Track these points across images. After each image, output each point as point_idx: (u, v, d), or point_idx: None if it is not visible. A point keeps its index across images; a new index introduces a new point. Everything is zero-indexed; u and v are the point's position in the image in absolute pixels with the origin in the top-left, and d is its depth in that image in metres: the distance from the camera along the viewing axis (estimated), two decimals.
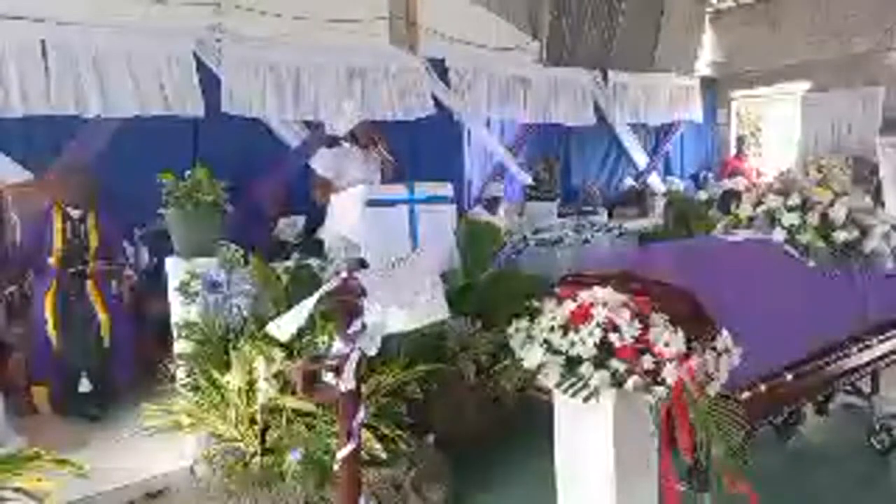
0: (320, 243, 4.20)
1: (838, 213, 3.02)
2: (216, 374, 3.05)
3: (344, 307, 2.03)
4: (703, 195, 7.77)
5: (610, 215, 7.40)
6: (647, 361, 2.09)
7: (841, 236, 3.00)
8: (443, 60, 6.75)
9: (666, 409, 2.17)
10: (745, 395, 2.36)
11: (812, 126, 8.81)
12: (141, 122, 5.03)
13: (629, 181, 8.66)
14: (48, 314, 3.90)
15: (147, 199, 3.66)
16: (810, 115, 8.84)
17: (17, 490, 2.29)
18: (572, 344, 2.17)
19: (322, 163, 4.84)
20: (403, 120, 6.35)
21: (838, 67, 8.46)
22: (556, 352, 2.21)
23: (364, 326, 2.03)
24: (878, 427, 3.51)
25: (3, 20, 4.50)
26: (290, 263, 3.61)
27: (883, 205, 6.19)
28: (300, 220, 5.40)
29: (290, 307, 2.15)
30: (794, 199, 3.08)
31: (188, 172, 3.48)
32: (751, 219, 3.26)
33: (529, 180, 7.46)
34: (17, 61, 4.55)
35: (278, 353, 2.95)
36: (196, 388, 3.14)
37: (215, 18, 5.40)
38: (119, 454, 3.43)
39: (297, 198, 5.50)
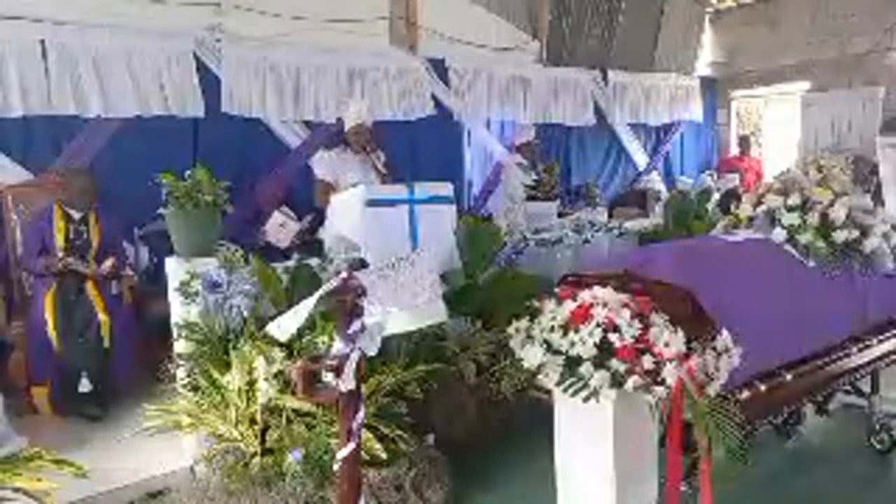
0: (320, 243, 4.19)
1: (838, 213, 3.02)
2: (216, 374, 3.05)
3: (344, 307, 2.03)
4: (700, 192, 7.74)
5: (610, 215, 7.39)
6: (647, 361, 2.10)
7: (841, 236, 2.99)
8: (443, 60, 6.75)
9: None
10: (745, 395, 2.36)
11: (812, 126, 8.80)
12: (141, 122, 5.03)
13: (647, 180, 8.63)
14: (48, 314, 3.89)
15: (147, 199, 3.66)
16: (810, 115, 8.82)
17: (17, 490, 2.30)
18: (572, 344, 2.17)
19: (321, 165, 4.84)
20: (403, 120, 6.36)
21: (838, 67, 8.45)
22: (556, 352, 2.21)
23: (364, 327, 2.03)
24: (878, 427, 3.51)
25: (2, 20, 4.50)
26: (290, 263, 3.61)
27: (883, 205, 6.18)
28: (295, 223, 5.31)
29: (290, 307, 2.15)
30: (794, 199, 3.08)
31: (188, 172, 3.48)
32: (751, 219, 3.26)
33: (529, 180, 7.45)
34: (17, 61, 4.55)
35: (278, 353, 2.95)
36: (196, 388, 3.14)
37: (215, 18, 5.41)
38: (119, 454, 3.43)
39: (298, 198, 5.50)
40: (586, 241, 5.00)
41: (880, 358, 3.08)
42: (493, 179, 7.21)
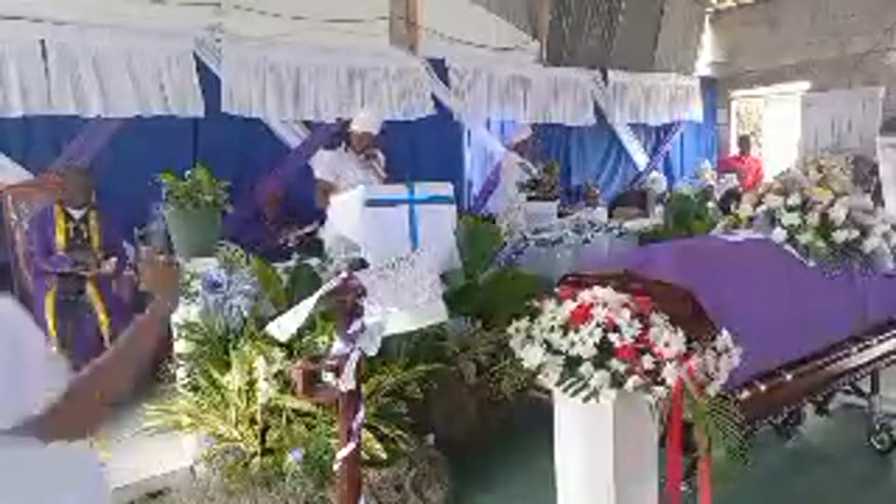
0: (320, 243, 4.19)
1: (838, 213, 3.02)
2: (216, 374, 3.05)
3: (344, 307, 2.03)
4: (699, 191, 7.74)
5: (610, 215, 7.39)
6: (647, 361, 2.09)
7: (841, 236, 2.99)
8: (443, 60, 6.76)
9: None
10: (745, 395, 2.36)
11: (812, 126, 8.81)
12: (141, 122, 5.04)
13: (649, 180, 8.63)
14: (48, 315, 3.90)
15: (147, 199, 3.65)
16: (810, 114, 8.83)
17: None
18: (572, 344, 2.17)
19: (320, 164, 4.84)
20: (403, 120, 6.36)
21: (838, 67, 8.45)
22: (556, 352, 2.21)
23: (364, 327, 2.03)
24: (878, 427, 3.51)
25: (2, 20, 4.50)
26: (290, 263, 3.61)
27: (883, 205, 6.19)
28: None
29: (290, 307, 2.15)
30: (794, 199, 3.08)
31: (188, 172, 3.48)
32: (751, 219, 3.26)
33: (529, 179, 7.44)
34: (17, 61, 4.56)
35: (278, 353, 2.95)
36: (196, 388, 3.14)
37: (215, 18, 5.41)
38: (119, 454, 3.43)
39: (298, 198, 5.50)
40: (586, 241, 5.00)
41: (880, 358, 3.08)
42: (493, 179, 7.22)
